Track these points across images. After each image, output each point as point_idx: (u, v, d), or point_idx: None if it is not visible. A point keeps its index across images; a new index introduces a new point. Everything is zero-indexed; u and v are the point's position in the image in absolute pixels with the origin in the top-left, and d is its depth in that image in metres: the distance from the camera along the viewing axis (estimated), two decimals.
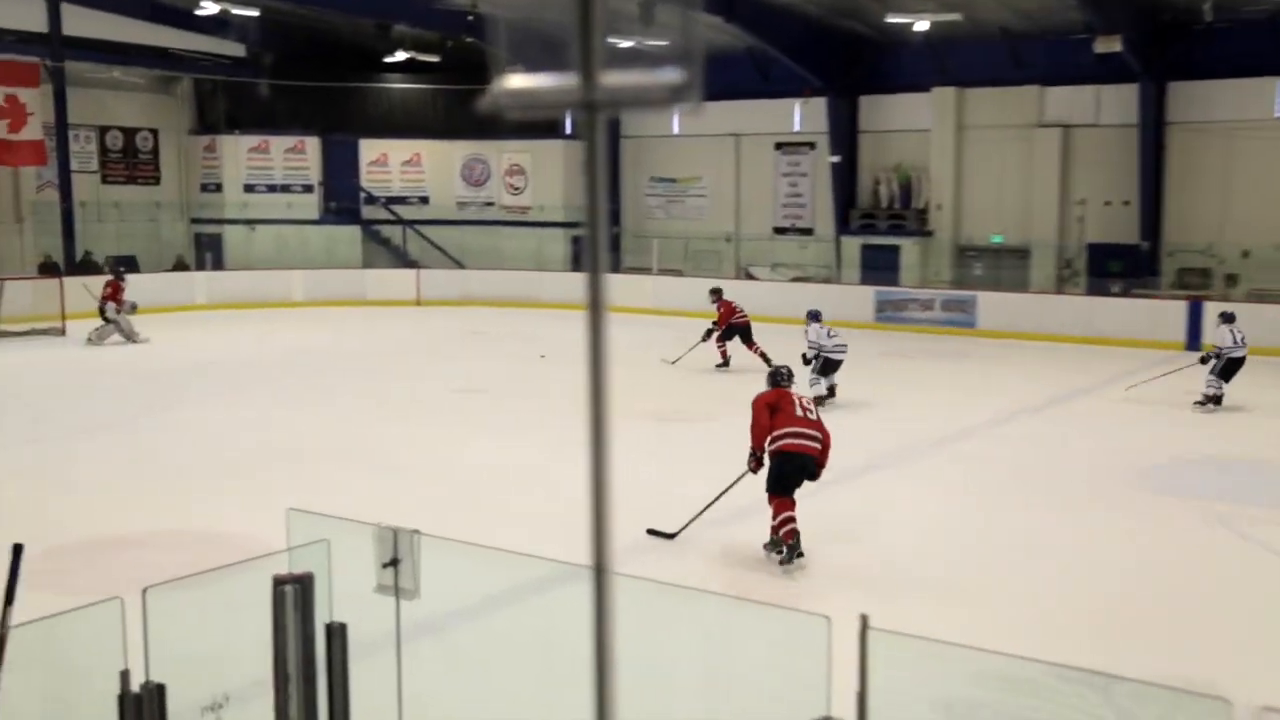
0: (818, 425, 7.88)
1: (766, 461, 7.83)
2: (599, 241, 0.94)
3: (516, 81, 0.89)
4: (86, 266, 23.94)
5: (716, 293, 17.50)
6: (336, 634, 3.27)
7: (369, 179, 27.93)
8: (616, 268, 26.28)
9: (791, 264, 25.64)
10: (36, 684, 4.09)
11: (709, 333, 16.91)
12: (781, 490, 7.72)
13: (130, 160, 26.62)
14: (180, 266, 26.00)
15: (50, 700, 4.09)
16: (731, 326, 16.78)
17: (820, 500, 9.67)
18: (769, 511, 7.83)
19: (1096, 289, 21.65)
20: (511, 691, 4.05)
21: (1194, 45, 21.00)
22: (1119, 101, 21.93)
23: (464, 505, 9.32)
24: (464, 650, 4.32)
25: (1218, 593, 7.65)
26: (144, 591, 2.88)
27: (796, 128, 25.64)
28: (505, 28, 0.87)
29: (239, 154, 26.99)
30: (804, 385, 12.44)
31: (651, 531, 8.39)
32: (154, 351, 18.21)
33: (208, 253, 27.06)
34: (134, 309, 18.97)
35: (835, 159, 24.58)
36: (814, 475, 7.79)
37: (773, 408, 7.90)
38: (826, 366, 14.01)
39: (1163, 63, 21.17)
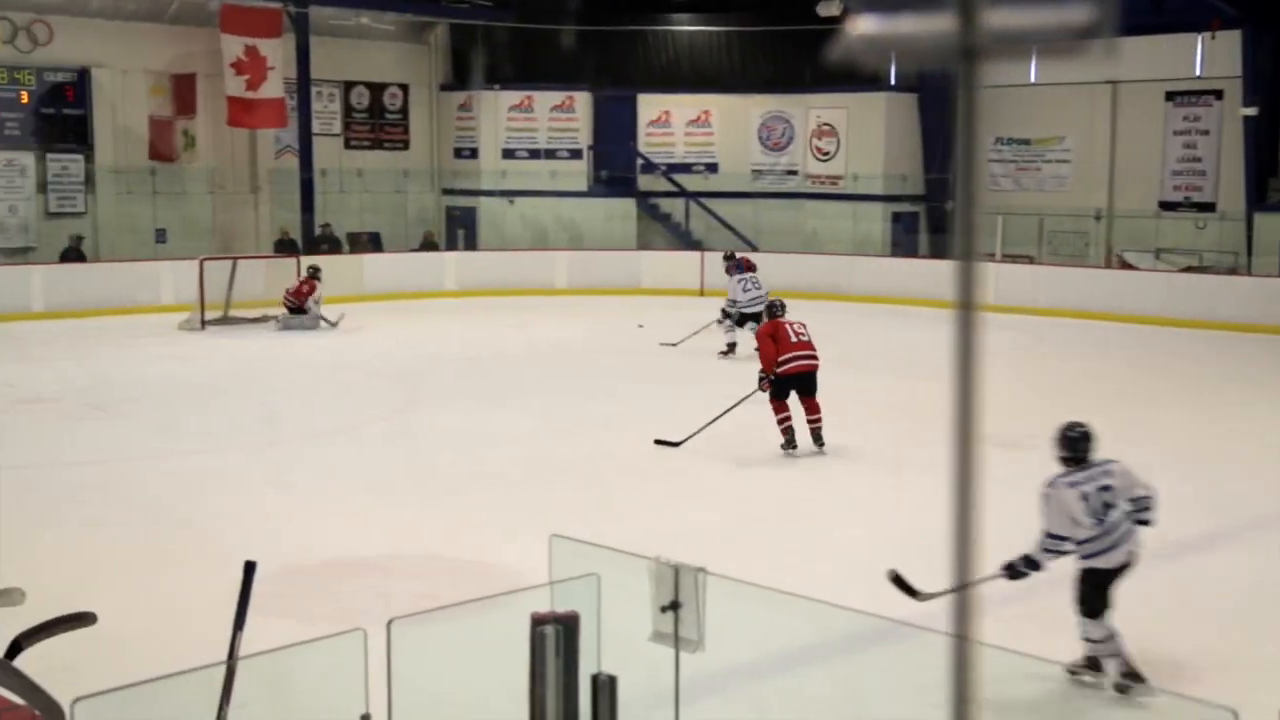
0: (810, 344, 11.89)
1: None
2: (971, 225, 0.92)
3: (874, 25, 0.89)
4: (325, 243, 25.82)
5: (730, 258, 20.31)
6: (605, 688, 3.37)
7: (647, 142, 28.63)
8: (948, 252, 25.77)
9: (1184, 250, 24.31)
10: None
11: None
12: (783, 396, 11.80)
13: (376, 121, 28.46)
14: (429, 245, 27.53)
15: None
16: None
17: (1215, 563, 9.14)
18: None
19: None
20: None
21: None
22: None
23: (753, 539, 9.39)
24: (754, 715, 4.37)
25: None
26: (389, 624, 3.08)
27: (1197, 71, 24.28)
28: None
29: (498, 113, 28.29)
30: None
31: (658, 441, 12.00)
32: (395, 346, 19.40)
33: (460, 229, 28.54)
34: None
35: (1251, 111, 23.10)
36: (813, 387, 11.84)
37: (773, 337, 11.81)
38: (743, 319, 17.42)
39: None
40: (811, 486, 11.21)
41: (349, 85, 27.88)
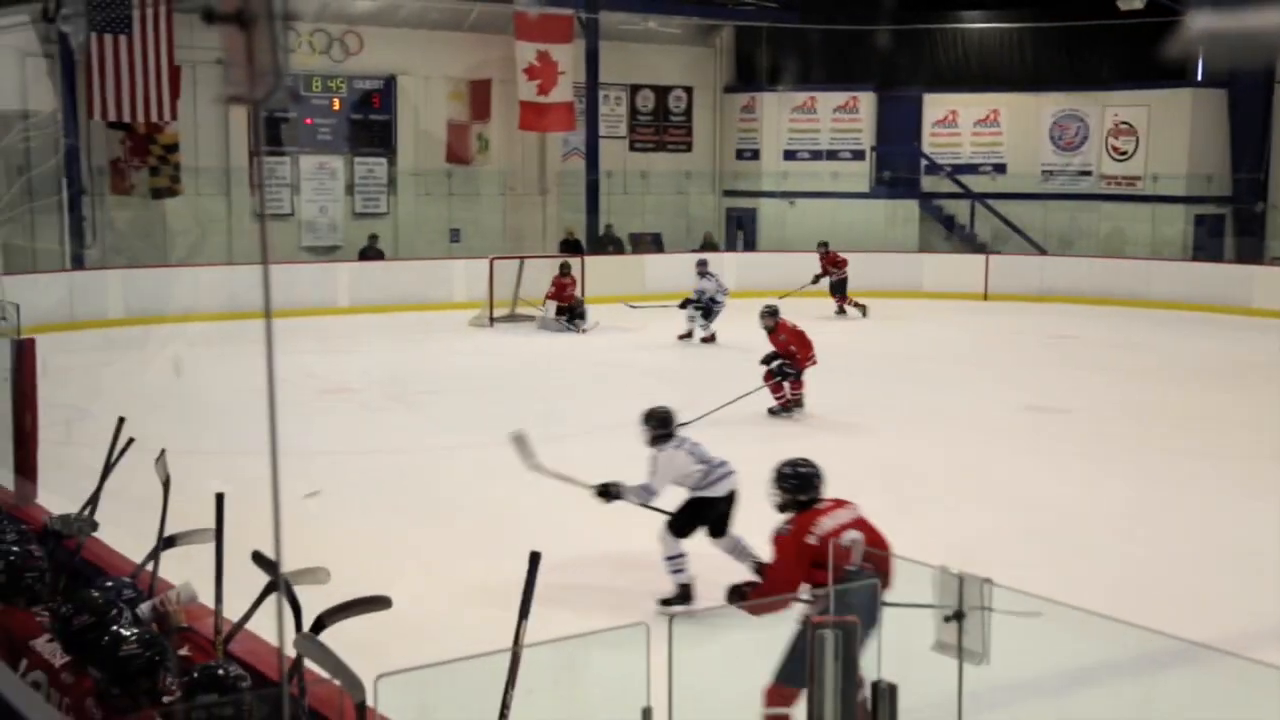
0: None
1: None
2: None
3: (1216, 20, 0.83)
4: (610, 244, 26.40)
5: (824, 245, 23.26)
6: (885, 696, 3.33)
7: (932, 143, 28.14)
8: (1257, 255, 24.40)
9: None
10: (545, 710, 4.58)
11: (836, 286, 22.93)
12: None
13: (661, 124, 28.94)
14: (708, 246, 27.79)
15: None
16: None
17: None
18: None
19: None
20: None
21: None
22: None
23: (1036, 550, 9.12)
24: None
25: None
26: (671, 620, 3.12)
27: None
28: None
29: (780, 114, 28.35)
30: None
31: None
32: (675, 345, 19.65)
33: (739, 230, 28.73)
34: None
35: None
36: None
37: (802, 341, 14.22)
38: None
39: None
40: (1095, 496, 10.81)
41: (635, 88, 28.43)
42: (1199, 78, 25.24)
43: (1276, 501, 10.09)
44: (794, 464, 6.13)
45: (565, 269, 21.34)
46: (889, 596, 4.16)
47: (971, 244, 27.24)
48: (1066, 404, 14.90)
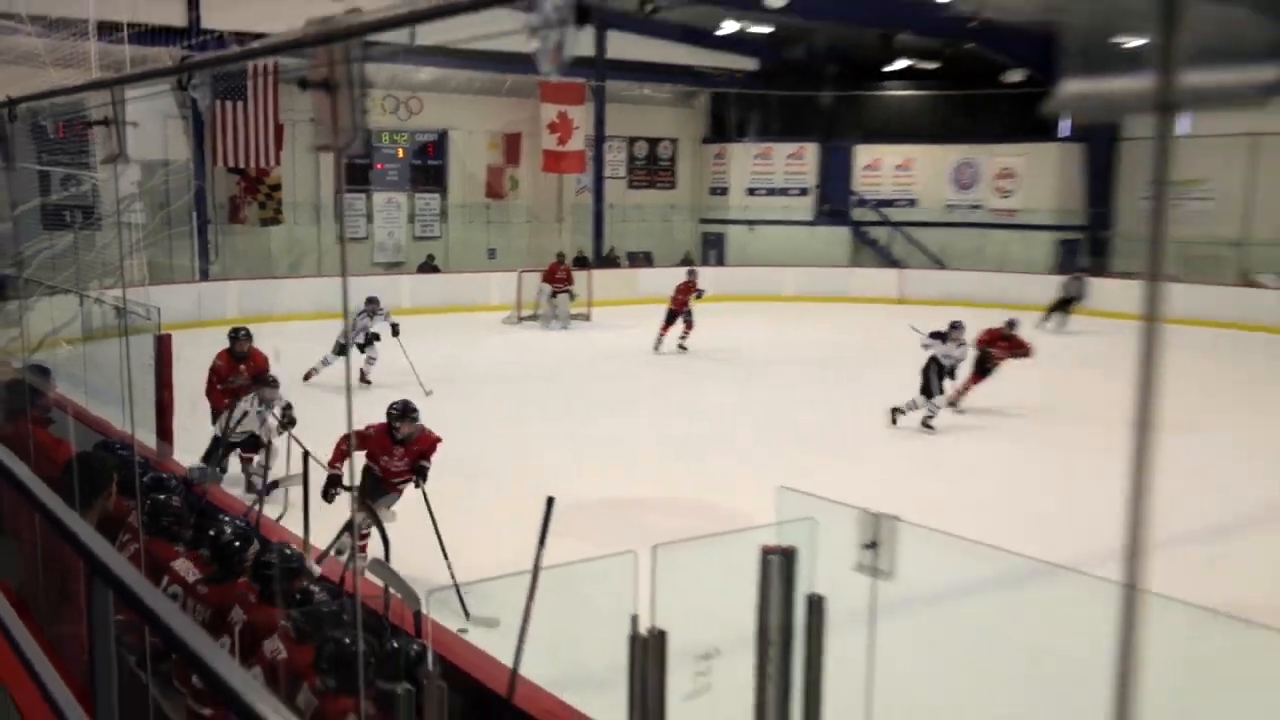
0: None
1: None
2: (1160, 253, 0.87)
3: (1082, 85, 0.84)
4: (610, 262, 26.33)
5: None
6: (815, 606, 3.35)
7: (861, 183, 28.08)
8: (1102, 270, 24.36)
9: None
10: (559, 617, 4.59)
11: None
12: None
13: (652, 167, 28.86)
14: (687, 262, 27.69)
15: (566, 632, 4.58)
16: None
17: None
18: None
19: None
20: (977, 675, 3.93)
21: None
22: None
23: (944, 499, 9.14)
24: (932, 633, 4.28)
25: None
26: (654, 548, 3.13)
27: None
28: (1069, 33, 0.83)
29: (745, 160, 28.29)
30: None
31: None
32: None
33: (712, 250, 28.68)
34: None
35: None
36: None
37: None
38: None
39: None
40: (980, 450, 10.82)
41: (632, 140, 28.34)
42: (1065, 134, 25.19)
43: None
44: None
45: (561, 258, 21.22)
46: None
47: (889, 260, 27.22)
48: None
